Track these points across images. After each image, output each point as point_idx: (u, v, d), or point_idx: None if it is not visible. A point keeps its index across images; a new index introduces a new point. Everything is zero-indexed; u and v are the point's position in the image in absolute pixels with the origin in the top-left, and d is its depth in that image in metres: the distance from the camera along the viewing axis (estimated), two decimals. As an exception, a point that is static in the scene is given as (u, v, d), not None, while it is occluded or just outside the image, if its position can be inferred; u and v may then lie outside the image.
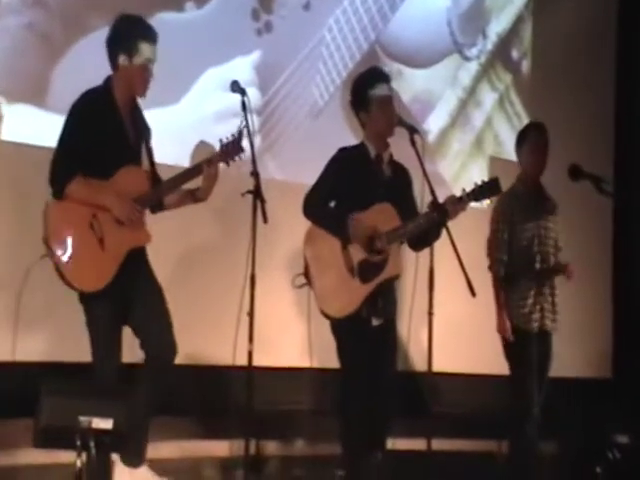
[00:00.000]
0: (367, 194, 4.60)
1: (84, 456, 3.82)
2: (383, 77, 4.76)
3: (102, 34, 4.34)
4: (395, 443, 4.85)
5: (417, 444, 4.89)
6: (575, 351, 6.82)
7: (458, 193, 4.54)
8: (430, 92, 6.80)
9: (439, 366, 4.74)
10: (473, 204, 4.55)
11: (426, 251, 4.58)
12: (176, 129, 5.53)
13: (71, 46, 5.28)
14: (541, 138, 5.39)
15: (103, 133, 4.14)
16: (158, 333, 4.18)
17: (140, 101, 4.36)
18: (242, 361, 4.39)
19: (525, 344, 5.19)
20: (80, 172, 4.08)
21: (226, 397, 5.48)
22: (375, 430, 4.57)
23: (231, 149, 4.32)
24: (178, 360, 4.24)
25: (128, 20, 4.27)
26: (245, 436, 4.46)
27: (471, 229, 5.15)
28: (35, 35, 5.18)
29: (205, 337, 5.47)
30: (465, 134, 6.97)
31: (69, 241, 4.06)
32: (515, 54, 7.28)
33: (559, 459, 5.79)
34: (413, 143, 4.55)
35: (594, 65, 7.59)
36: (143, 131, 4.34)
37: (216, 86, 5.69)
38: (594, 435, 5.57)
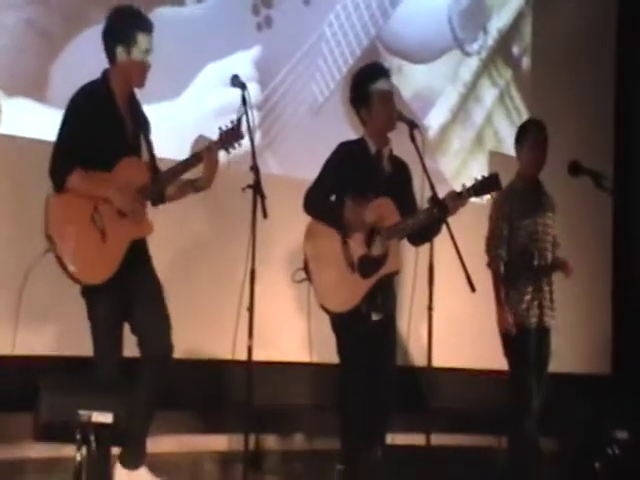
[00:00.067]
0: (367, 189, 4.59)
1: (84, 450, 3.83)
2: (383, 72, 4.75)
3: (101, 28, 4.32)
4: (394, 438, 4.85)
5: (416, 439, 4.89)
6: (574, 347, 6.83)
7: (458, 189, 4.54)
8: (431, 88, 6.80)
9: (439, 361, 4.75)
10: (473, 199, 4.55)
11: (426, 246, 4.58)
12: (176, 124, 5.53)
13: (70, 40, 5.28)
14: (540, 135, 5.40)
15: (101, 126, 4.14)
16: (155, 334, 4.18)
17: (140, 95, 4.36)
18: (242, 356, 4.39)
19: (523, 340, 5.20)
20: (80, 165, 4.08)
21: (225, 392, 5.49)
22: (374, 425, 4.57)
23: (230, 136, 4.31)
24: (178, 355, 4.24)
25: (124, 12, 4.26)
26: (244, 431, 4.46)
27: (471, 224, 5.15)
28: (34, 29, 5.17)
29: (205, 332, 5.48)
30: (465, 130, 6.96)
31: (71, 234, 4.05)
32: (516, 50, 7.28)
33: (558, 455, 5.79)
34: (413, 138, 4.55)
35: (594, 61, 7.60)
36: (142, 123, 4.33)
37: (216, 81, 5.69)
38: (593, 431, 5.56)
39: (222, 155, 4.34)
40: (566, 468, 5.70)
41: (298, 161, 5.93)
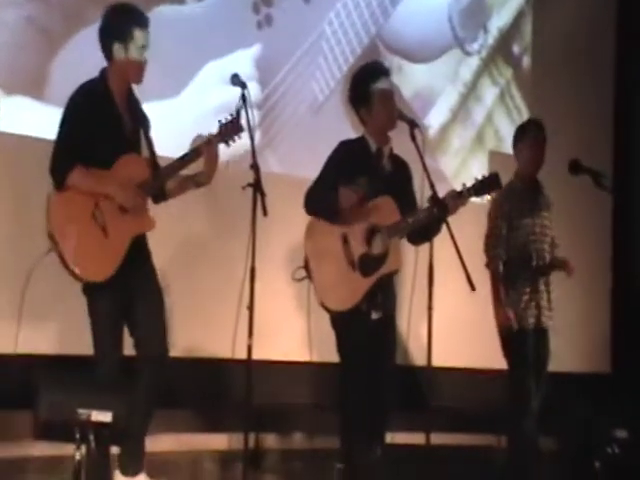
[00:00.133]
0: (367, 188, 4.59)
1: (83, 449, 3.83)
2: (383, 71, 4.75)
3: (100, 27, 4.34)
4: (394, 437, 4.85)
5: (416, 438, 4.89)
6: (574, 346, 6.83)
7: (458, 189, 4.54)
8: (431, 87, 6.80)
9: (438, 360, 4.74)
10: (473, 199, 4.54)
11: (426, 246, 4.57)
12: (176, 122, 5.53)
13: (70, 38, 5.28)
14: (539, 135, 5.39)
15: (100, 124, 4.14)
16: (152, 337, 4.17)
17: (140, 93, 4.36)
18: (241, 354, 4.39)
19: (521, 341, 5.20)
20: (80, 163, 4.07)
21: (225, 390, 5.49)
22: (374, 424, 4.56)
23: (230, 129, 4.30)
24: (177, 353, 4.25)
25: (119, 8, 4.26)
26: (244, 429, 4.46)
27: (471, 224, 5.15)
28: (34, 27, 5.17)
29: (204, 330, 5.48)
30: (466, 130, 6.96)
31: (72, 232, 4.04)
32: (516, 49, 7.28)
33: (558, 454, 5.79)
34: (413, 138, 4.54)
35: (594, 60, 7.59)
36: (141, 120, 4.33)
37: (216, 79, 5.69)
38: (593, 430, 5.56)
39: (222, 154, 4.33)
40: (566, 467, 5.70)
41: (298, 160, 5.93)
